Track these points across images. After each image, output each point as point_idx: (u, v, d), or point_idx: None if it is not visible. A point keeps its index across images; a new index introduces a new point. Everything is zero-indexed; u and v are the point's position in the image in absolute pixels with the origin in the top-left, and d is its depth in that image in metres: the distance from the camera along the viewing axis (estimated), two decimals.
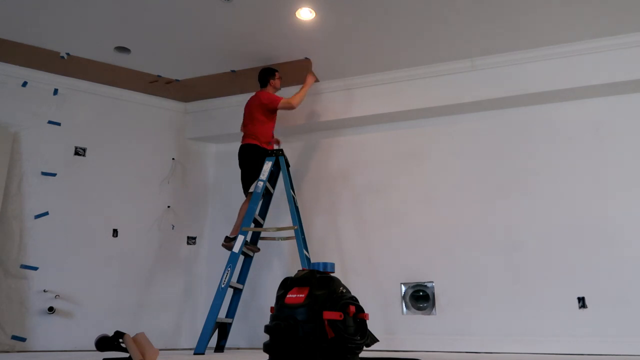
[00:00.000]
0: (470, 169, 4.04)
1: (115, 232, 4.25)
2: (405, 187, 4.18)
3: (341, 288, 1.56)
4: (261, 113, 3.89)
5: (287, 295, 1.54)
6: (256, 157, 3.83)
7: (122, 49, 3.98)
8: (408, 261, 3.98)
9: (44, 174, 4.03)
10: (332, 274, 1.64)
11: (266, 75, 4.03)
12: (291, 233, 3.70)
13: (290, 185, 3.84)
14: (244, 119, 4.04)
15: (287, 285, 1.60)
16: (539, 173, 3.85)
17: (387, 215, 4.13)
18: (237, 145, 4.80)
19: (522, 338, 3.54)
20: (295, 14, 3.52)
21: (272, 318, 1.54)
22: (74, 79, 4.30)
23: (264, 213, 4.11)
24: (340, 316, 1.45)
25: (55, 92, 4.21)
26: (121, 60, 4.14)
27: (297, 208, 3.80)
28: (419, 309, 3.88)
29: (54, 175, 4.07)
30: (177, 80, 4.45)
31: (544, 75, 3.84)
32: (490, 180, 3.96)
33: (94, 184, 4.23)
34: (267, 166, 3.77)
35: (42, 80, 4.19)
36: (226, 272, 3.45)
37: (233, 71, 4.30)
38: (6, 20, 3.57)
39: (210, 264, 4.53)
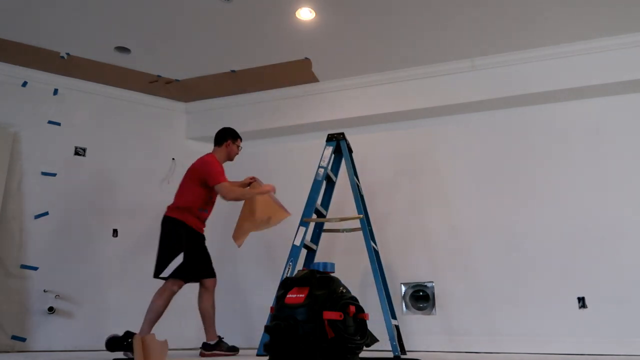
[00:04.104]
0: (470, 169, 4.04)
1: (115, 232, 4.24)
2: (405, 187, 4.18)
3: (341, 288, 1.56)
4: (189, 182, 3.33)
5: (287, 295, 1.54)
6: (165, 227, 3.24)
7: (122, 49, 3.97)
8: (408, 261, 3.98)
9: (44, 174, 4.03)
10: (332, 274, 1.64)
11: (225, 134, 3.50)
12: (356, 224, 3.40)
13: (353, 171, 3.57)
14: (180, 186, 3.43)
15: (287, 285, 1.60)
16: (539, 173, 3.85)
17: (387, 215, 4.12)
18: None
19: (522, 338, 3.54)
20: (295, 14, 3.52)
21: (272, 318, 1.54)
22: (74, 79, 4.30)
23: (326, 203, 3.79)
24: (340, 316, 1.45)
25: (55, 92, 4.21)
26: (121, 60, 4.14)
27: (362, 196, 3.53)
28: (419, 309, 3.88)
29: (54, 175, 4.06)
30: (177, 80, 4.45)
31: (544, 75, 3.84)
32: (489, 180, 3.96)
33: (94, 184, 4.23)
34: (328, 152, 3.55)
35: (42, 80, 4.18)
36: (287, 266, 3.19)
37: (233, 71, 4.30)
38: (6, 20, 3.56)
39: None
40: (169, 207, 3.33)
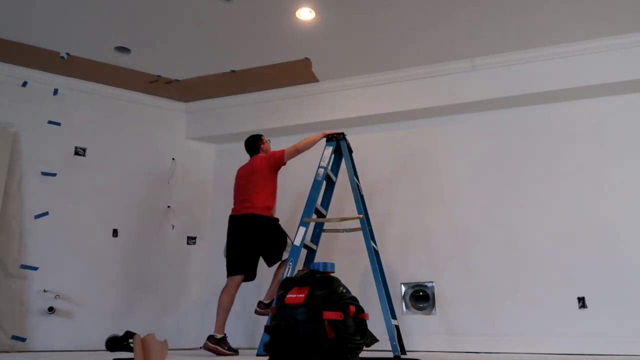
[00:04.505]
0: (470, 169, 4.04)
1: (115, 232, 4.25)
2: (405, 187, 4.18)
3: (341, 288, 1.56)
4: (263, 176, 3.52)
5: (287, 295, 1.54)
6: (265, 226, 3.47)
7: (122, 49, 3.98)
8: (408, 261, 3.98)
9: (44, 174, 4.03)
10: (332, 274, 1.64)
11: (255, 140, 3.75)
12: (356, 224, 3.41)
13: (353, 171, 3.57)
14: (239, 190, 3.59)
15: (287, 285, 1.60)
16: (539, 173, 3.85)
17: (387, 215, 4.13)
18: (236, 145, 4.82)
19: (522, 338, 3.54)
20: (295, 14, 3.52)
21: (272, 318, 1.54)
22: (74, 79, 4.30)
23: (326, 203, 3.80)
24: (340, 316, 1.45)
25: (55, 92, 4.21)
26: (121, 60, 4.14)
27: (362, 196, 3.53)
28: (419, 309, 3.88)
29: (54, 175, 4.06)
30: (177, 80, 4.45)
31: (544, 75, 3.84)
32: (490, 180, 3.96)
33: (94, 184, 4.23)
34: (328, 152, 3.54)
35: (42, 80, 4.18)
36: (288, 267, 3.21)
37: (233, 71, 4.31)
38: (6, 20, 3.56)
39: (210, 264, 4.53)
40: (245, 206, 3.47)
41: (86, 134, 4.30)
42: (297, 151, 3.54)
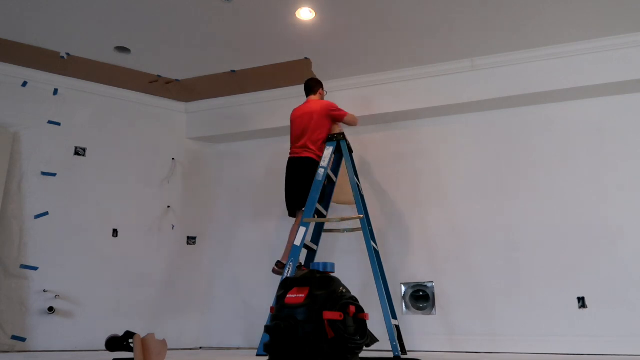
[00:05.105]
0: (470, 169, 4.04)
1: (115, 232, 4.25)
2: (405, 188, 4.18)
3: (341, 288, 1.56)
4: (320, 122, 3.62)
5: (287, 295, 1.55)
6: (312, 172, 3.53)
7: (122, 49, 3.97)
8: (408, 261, 3.98)
9: (44, 174, 4.03)
10: (332, 274, 1.64)
11: (316, 83, 3.87)
12: (357, 224, 3.45)
13: (354, 171, 3.59)
14: (296, 131, 3.69)
15: (287, 285, 1.60)
16: (539, 173, 3.85)
17: (387, 215, 4.13)
18: (236, 145, 4.83)
19: (523, 338, 3.54)
20: (295, 14, 3.52)
21: (272, 318, 1.54)
22: (74, 79, 4.30)
23: (326, 203, 3.81)
24: (340, 316, 1.45)
25: (55, 92, 4.21)
26: (121, 60, 4.14)
27: (362, 196, 3.56)
28: (419, 309, 3.88)
29: (54, 175, 4.07)
30: (177, 80, 4.45)
31: (544, 75, 3.84)
32: (490, 180, 3.96)
33: (94, 184, 4.23)
34: (328, 152, 3.56)
35: (42, 80, 4.18)
36: (288, 266, 3.25)
37: (233, 71, 4.31)
38: (6, 20, 3.56)
39: (210, 264, 4.53)
40: (300, 148, 3.61)
41: (86, 134, 4.30)
42: (347, 121, 3.74)
